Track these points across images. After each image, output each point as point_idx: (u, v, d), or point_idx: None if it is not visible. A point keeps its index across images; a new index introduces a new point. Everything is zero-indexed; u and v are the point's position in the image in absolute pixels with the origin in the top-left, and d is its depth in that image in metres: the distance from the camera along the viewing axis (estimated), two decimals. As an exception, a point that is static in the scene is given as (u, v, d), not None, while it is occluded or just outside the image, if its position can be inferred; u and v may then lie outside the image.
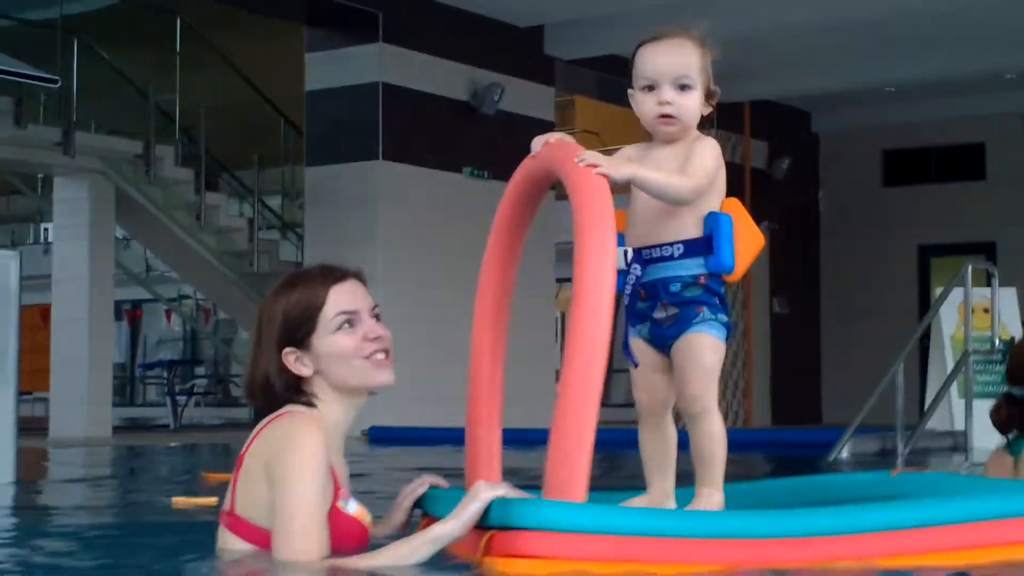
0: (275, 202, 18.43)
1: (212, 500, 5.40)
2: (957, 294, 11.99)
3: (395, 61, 15.22)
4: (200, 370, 25.55)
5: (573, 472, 3.29)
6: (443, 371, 13.84)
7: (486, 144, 15.83)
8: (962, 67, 18.09)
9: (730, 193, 14.61)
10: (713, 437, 3.64)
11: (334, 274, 3.60)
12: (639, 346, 3.75)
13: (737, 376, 20.08)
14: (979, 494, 3.79)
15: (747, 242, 3.67)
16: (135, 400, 26.61)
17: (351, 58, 15.29)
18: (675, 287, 3.63)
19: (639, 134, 15.02)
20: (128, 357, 27.70)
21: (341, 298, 3.56)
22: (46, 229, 25.32)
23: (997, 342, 11.96)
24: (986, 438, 11.61)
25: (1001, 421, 4.93)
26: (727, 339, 3.68)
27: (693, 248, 3.63)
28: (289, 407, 3.52)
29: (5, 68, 7.93)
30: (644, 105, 3.68)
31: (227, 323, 24.56)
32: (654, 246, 3.66)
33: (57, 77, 8.54)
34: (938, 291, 12.39)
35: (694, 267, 3.63)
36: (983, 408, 11.80)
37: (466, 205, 15.27)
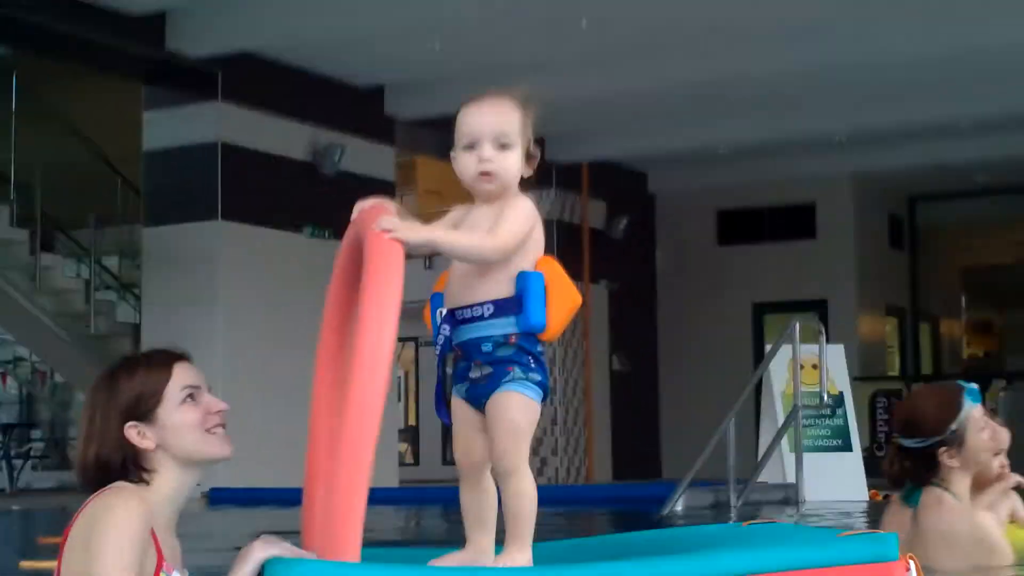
0: (113, 262, 18.22)
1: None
2: (787, 351, 12.30)
3: (234, 120, 15.19)
4: (37, 433, 25.04)
5: (347, 530, 3.28)
6: (284, 431, 13.81)
7: (327, 203, 15.83)
8: (793, 129, 18.58)
9: (570, 252, 14.94)
10: (520, 495, 3.62)
11: (175, 353, 3.70)
12: (460, 405, 3.79)
13: (578, 433, 20.27)
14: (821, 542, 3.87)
15: (562, 301, 3.65)
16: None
17: (189, 116, 15.22)
18: (487, 347, 3.62)
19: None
20: (-41, 421, 27.04)
21: (185, 374, 3.65)
22: None
23: (825, 397, 12.29)
24: (816, 491, 11.96)
25: (894, 474, 4.98)
26: (544, 398, 3.66)
27: (504, 308, 3.62)
28: (117, 483, 3.54)
29: None
30: (465, 164, 3.65)
31: (64, 386, 24.17)
32: (466, 307, 3.65)
33: None
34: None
35: (505, 326, 3.61)
36: (813, 461, 12.20)
37: (308, 264, 15.24)
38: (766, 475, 12.24)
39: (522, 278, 3.61)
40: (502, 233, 3.58)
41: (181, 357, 3.70)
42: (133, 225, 16.99)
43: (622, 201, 21.44)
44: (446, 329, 3.67)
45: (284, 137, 15.71)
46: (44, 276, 16.17)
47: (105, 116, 17.40)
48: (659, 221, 22.65)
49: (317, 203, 15.85)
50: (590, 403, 20.53)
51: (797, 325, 12.07)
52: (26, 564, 5.62)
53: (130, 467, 3.57)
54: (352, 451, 3.31)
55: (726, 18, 14.18)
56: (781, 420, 12.51)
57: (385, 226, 3.42)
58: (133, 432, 3.57)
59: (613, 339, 21.21)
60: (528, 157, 3.70)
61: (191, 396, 3.64)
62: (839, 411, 13.13)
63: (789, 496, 11.96)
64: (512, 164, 3.65)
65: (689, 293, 22.15)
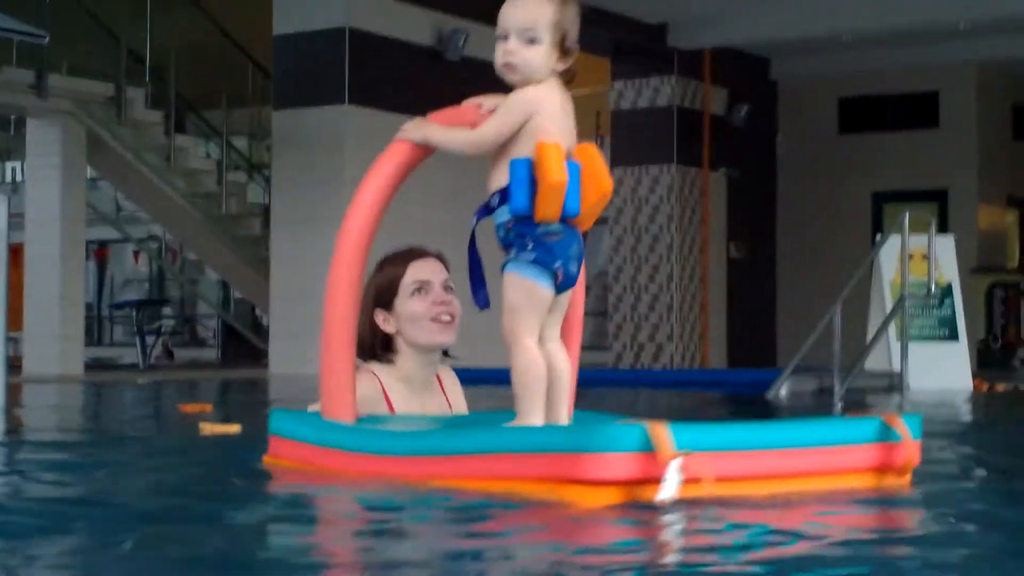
0: (243, 143, 18.73)
1: (236, 427, 6.02)
2: (897, 241, 12.46)
3: (362, 6, 15.48)
4: (167, 310, 25.82)
5: (341, 395, 4.12)
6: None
7: (451, 89, 16.03)
8: (918, 17, 18.50)
9: (689, 139, 15.24)
10: (514, 369, 3.88)
11: (414, 253, 4.54)
12: None
13: (694, 319, 20.56)
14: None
15: (591, 187, 3.90)
16: (102, 340, 26.90)
17: (318, 2, 15.57)
18: (500, 233, 3.95)
19: (603, 76, 15.65)
20: (95, 297, 27.93)
21: (417, 271, 4.48)
22: (13, 169, 25.51)
23: (933, 288, 12.46)
24: (920, 379, 12.18)
25: None
26: (549, 276, 3.88)
27: (504, 196, 3.90)
28: (365, 364, 4.48)
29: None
30: (496, 54, 3.93)
31: (193, 264, 24.89)
32: (488, 199, 3.97)
33: (45, 32, 8.84)
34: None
35: (505, 213, 3.91)
36: (920, 350, 12.40)
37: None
38: (872, 363, 12.43)
39: (511, 166, 3.88)
40: (481, 127, 3.91)
41: (421, 255, 4.52)
42: (263, 107, 17.46)
43: (743, 88, 21.48)
44: (473, 220, 4.04)
45: (410, 23, 15.99)
46: (178, 156, 16.71)
47: (235, 0, 17.81)
48: (780, 108, 22.67)
49: (441, 89, 16.12)
50: (706, 290, 20.78)
51: (907, 215, 12.23)
52: (205, 426, 6.19)
53: (381, 347, 4.50)
54: (326, 322, 4.10)
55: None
56: (889, 309, 12.68)
57: (404, 128, 4.04)
58: (380, 318, 4.49)
59: (731, 227, 21.39)
60: (563, 52, 3.95)
61: (419, 289, 4.45)
62: (947, 301, 13.27)
63: (893, 383, 12.14)
64: (535, 57, 3.91)
65: (808, 181, 22.21)
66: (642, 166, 20.36)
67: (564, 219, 3.88)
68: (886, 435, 3.85)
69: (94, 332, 27.14)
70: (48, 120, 15.72)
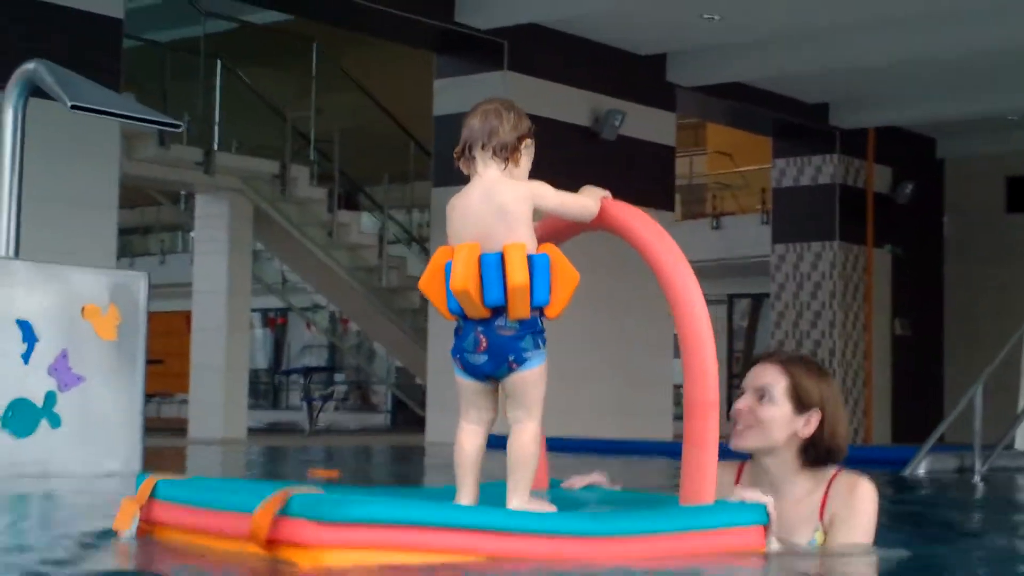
0: (402, 217, 19.23)
1: (336, 473, 6.25)
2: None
3: (519, 87, 15.84)
4: (340, 376, 26.42)
5: (701, 482, 3.97)
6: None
7: (607, 167, 16.42)
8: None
9: (852, 217, 15.45)
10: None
11: (759, 357, 4.39)
12: None
13: (857, 395, 20.45)
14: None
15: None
16: (279, 404, 27.62)
17: (477, 84, 15.95)
18: None
19: (766, 156, 15.90)
20: (272, 363, 28.68)
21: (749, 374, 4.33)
22: (162, 240, 26.45)
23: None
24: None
25: None
26: (455, 365, 4.12)
27: None
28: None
29: (131, 115, 8.72)
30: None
31: (364, 333, 25.42)
32: None
33: (180, 123, 9.31)
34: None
35: None
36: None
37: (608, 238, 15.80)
38: (1021, 442, 12.28)
39: None
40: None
41: (759, 359, 4.35)
42: (422, 182, 17.90)
43: (908, 166, 21.41)
44: None
45: (566, 104, 16.32)
46: (340, 232, 17.23)
47: (397, 82, 18.37)
48: (947, 187, 22.51)
49: (597, 167, 16.39)
50: (870, 366, 20.66)
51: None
52: (316, 472, 6.35)
53: None
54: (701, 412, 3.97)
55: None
56: (1037, 388, 12.55)
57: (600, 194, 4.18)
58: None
59: (896, 303, 21.26)
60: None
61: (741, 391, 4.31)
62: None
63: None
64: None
65: (975, 260, 22.00)
66: (804, 243, 20.39)
67: (461, 314, 4.06)
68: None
69: (271, 397, 27.91)
70: (216, 196, 16.37)
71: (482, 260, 3.97)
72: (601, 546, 3.81)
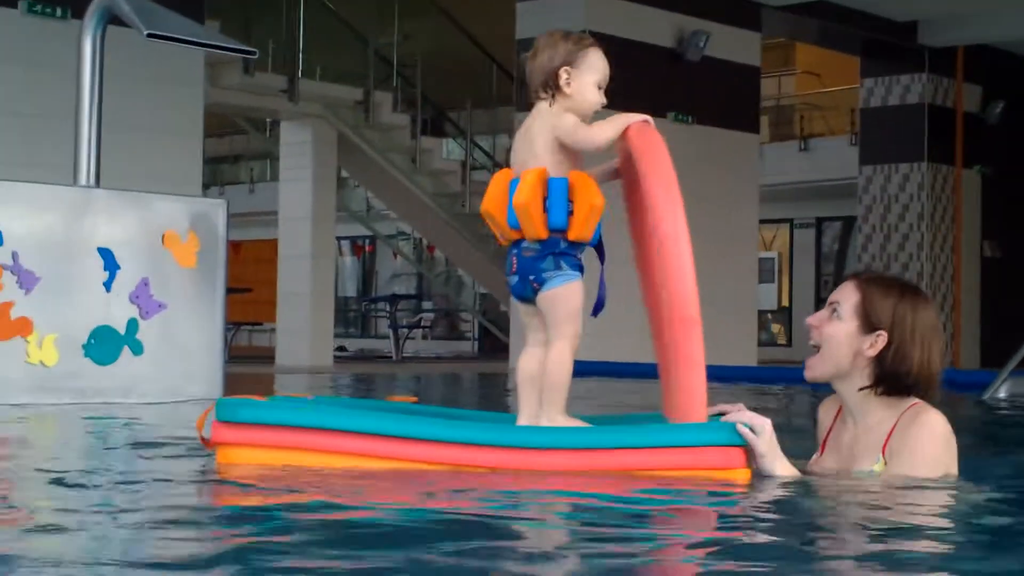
0: (486, 142, 19.22)
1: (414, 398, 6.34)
2: None
3: (601, 9, 15.71)
4: (427, 304, 26.50)
5: (691, 400, 3.92)
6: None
7: (691, 89, 16.29)
8: None
9: (941, 137, 15.30)
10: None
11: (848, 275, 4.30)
12: None
13: (945, 318, 20.25)
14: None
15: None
16: (367, 332, 27.79)
17: (559, 6, 15.83)
18: None
19: (855, 75, 15.72)
20: (361, 290, 28.83)
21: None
22: (251, 168, 26.57)
23: None
24: None
25: None
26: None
27: None
28: None
29: (207, 42, 8.77)
30: (594, 96, 4.32)
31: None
32: None
33: (255, 50, 9.38)
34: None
35: None
36: None
37: (671, 150, 15.70)
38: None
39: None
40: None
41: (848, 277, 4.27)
42: (505, 107, 17.87)
43: (998, 85, 21.05)
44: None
45: (649, 25, 16.14)
46: (423, 158, 17.26)
47: (480, 5, 18.27)
48: (1039, 105, 22.12)
49: (681, 89, 16.28)
50: (959, 289, 20.45)
51: None
52: (394, 398, 6.49)
53: None
54: (678, 323, 3.92)
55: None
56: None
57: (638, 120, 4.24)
58: None
59: (985, 225, 20.99)
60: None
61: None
62: None
63: None
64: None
65: (1067, 179, 21.64)
66: (892, 164, 20.16)
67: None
68: None
69: (359, 324, 28.08)
70: (300, 123, 16.44)
71: (510, 185, 4.21)
72: (540, 458, 3.94)
